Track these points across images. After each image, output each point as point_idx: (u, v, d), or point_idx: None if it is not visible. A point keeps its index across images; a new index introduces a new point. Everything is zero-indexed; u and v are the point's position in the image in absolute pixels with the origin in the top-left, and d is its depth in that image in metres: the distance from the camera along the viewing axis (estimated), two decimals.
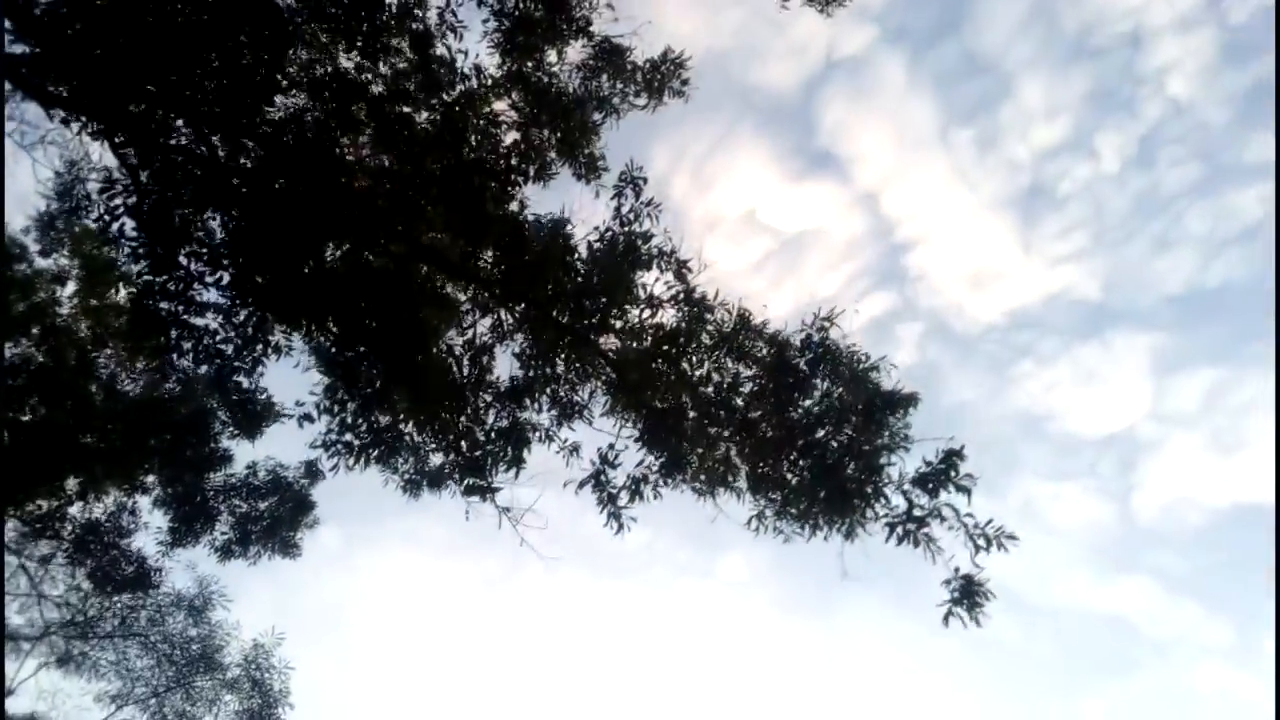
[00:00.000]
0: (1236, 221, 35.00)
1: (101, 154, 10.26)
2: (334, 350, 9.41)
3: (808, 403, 9.77)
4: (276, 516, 17.59)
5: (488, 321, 10.40)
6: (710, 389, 10.09)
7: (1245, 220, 34.57)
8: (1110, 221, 37.33)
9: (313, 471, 16.61)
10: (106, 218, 9.41)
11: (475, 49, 12.91)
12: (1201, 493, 41.15)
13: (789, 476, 9.37)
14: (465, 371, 9.79)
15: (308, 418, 9.30)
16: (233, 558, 17.10)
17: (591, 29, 12.38)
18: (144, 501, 17.73)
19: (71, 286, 18.08)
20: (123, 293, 17.15)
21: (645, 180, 10.67)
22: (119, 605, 16.85)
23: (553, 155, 12.87)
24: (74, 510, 16.55)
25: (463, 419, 9.52)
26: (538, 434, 10.49)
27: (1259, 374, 37.04)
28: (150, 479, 17.59)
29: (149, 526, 17.58)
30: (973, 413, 40.65)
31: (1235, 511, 40.00)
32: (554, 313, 9.89)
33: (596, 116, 12.90)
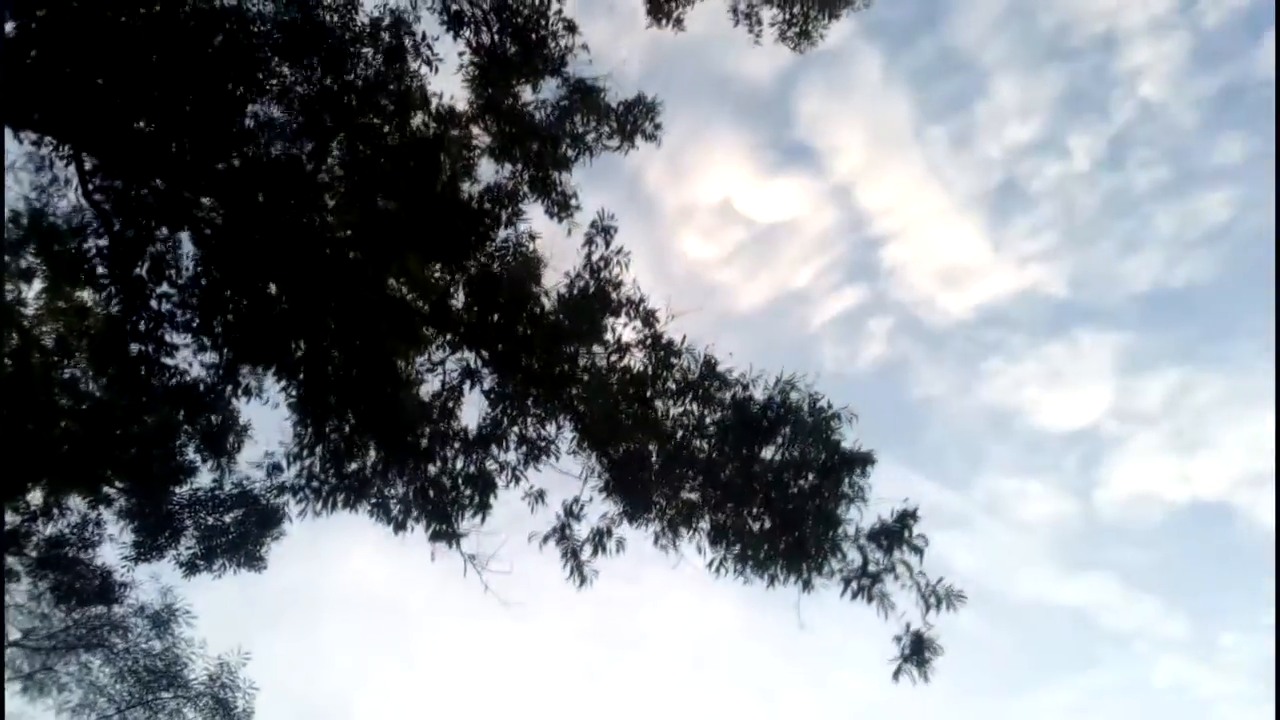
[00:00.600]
0: (1203, 223, 36.20)
1: (74, 188, 10.24)
2: (304, 394, 9.54)
3: (769, 454, 10.02)
4: (242, 531, 17.63)
5: (457, 360, 10.56)
6: (676, 436, 10.30)
7: (1211, 222, 35.76)
8: (1080, 220, 38.46)
9: (279, 514, 16.44)
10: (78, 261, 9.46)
11: (449, 82, 12.96)
12: (1162, 490, 42.43)
13: (750, 526, 9.62)
14: (434, 419, 9.95)
15: (277, 467, 9.44)
16: (197, 573, 17.16)
17: (565, 70, 12.51)
18: (108, 514, 17.76)
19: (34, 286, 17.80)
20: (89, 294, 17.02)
21: (616, 229, 10.87)
22: (82, 619, 16.83)
23: (525, 190, 13.04)
24: (37, 525, 16.48)
25: (431, 466, 9.68)
26: (504, 474, 10.66)
27: (1221, 374, 38.32)
28: (114, 490, 17.54)
29: (114, 539, 17.58)
30: (941, 408, 41.60)
31: (1194, 508, 41.28)
32: (523, 361, 10.06)
33: (570, 153, 13.05)
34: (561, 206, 12.78)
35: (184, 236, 9.98)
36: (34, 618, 17.26)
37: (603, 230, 10.87)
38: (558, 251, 12.22)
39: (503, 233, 11.16)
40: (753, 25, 14.97)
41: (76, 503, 17.53)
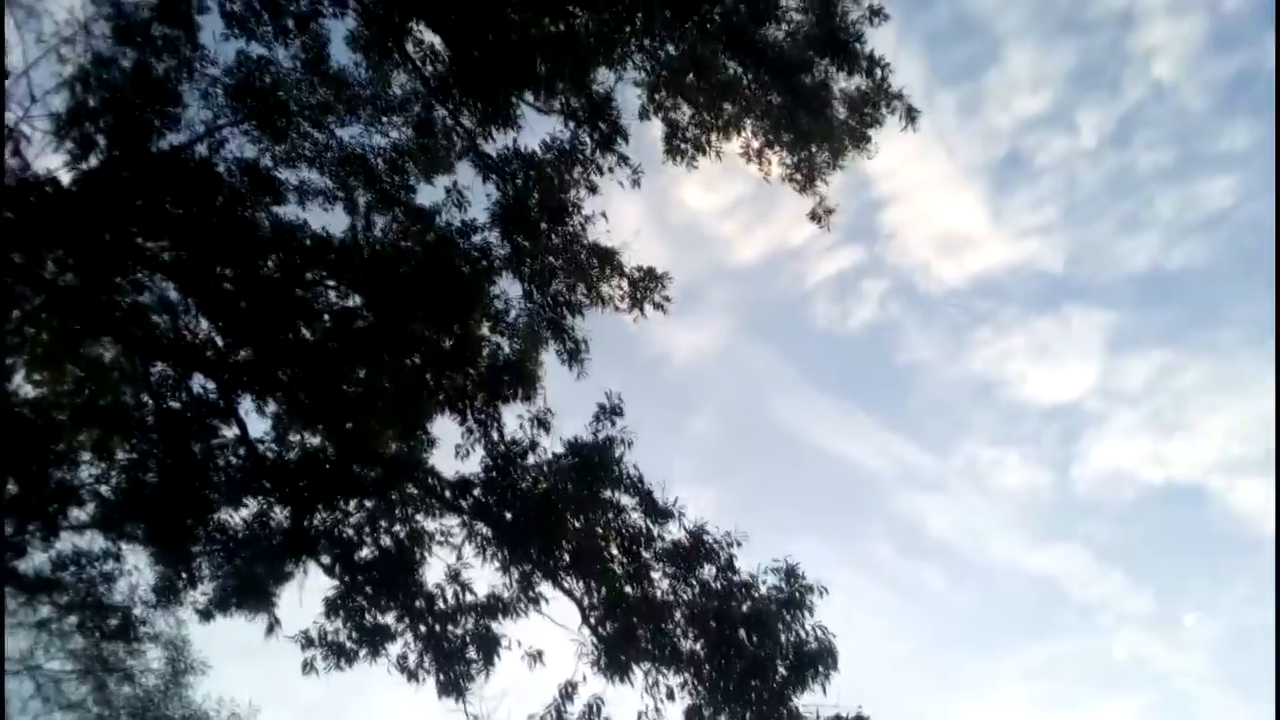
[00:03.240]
0: (1203, 208, 35.98)
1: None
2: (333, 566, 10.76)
3: (745, 633, 11.26)
4: (255, 576, 18.88)
5: (466, 529, 11.74)
6: (662, 610, 11.50)
7: (1211, 208, 35.58)
8: (1081, 197, 38.30)
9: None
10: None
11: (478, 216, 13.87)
12: (1138, 469, 43.00)
13: (721, 711, 10.89)
14: (448, 596, 11.18)
15: (310, 641, 10.65)
16: (212, 619, 18.44)
17: (583, 237, 13.43)
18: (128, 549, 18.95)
19: None
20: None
21: (622, 412, 11.95)
22: (101, 655, 18.14)
23: (541, 330, 14.10)
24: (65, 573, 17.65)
25: (442, 629, 10.91)
26: (509, 619, 11.90)
27: (1205, 359, 38.55)
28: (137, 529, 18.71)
29: (134, 577, 18.79)
30: (927, 373, 42.15)
31: (1167, 489, 41.84)
32: (529, 538, 11.23)
33: (584, 299, 14.05)
34: (573, 355, 13.84)
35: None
36: (51, 651, 18.57)
37: (610, 411, 11.97)
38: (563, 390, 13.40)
39: (519, 406, 12.20)
40: (762, 164, 15.82)
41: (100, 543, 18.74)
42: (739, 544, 12.18)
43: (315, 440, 11.64)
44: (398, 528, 11.55)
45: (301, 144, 16.72)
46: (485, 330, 13.27)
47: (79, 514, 17.88)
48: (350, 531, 11.04)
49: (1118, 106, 35.89)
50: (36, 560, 17.84)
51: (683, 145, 15.30)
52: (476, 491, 11.42)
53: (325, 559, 10.78)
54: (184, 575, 18.24)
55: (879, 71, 13.83)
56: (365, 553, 11.08)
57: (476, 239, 13.86)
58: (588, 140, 12.54)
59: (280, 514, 11.46)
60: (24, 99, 12.66)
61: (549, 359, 14.10)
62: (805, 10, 12.45)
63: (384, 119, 16.76)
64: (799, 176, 15.72)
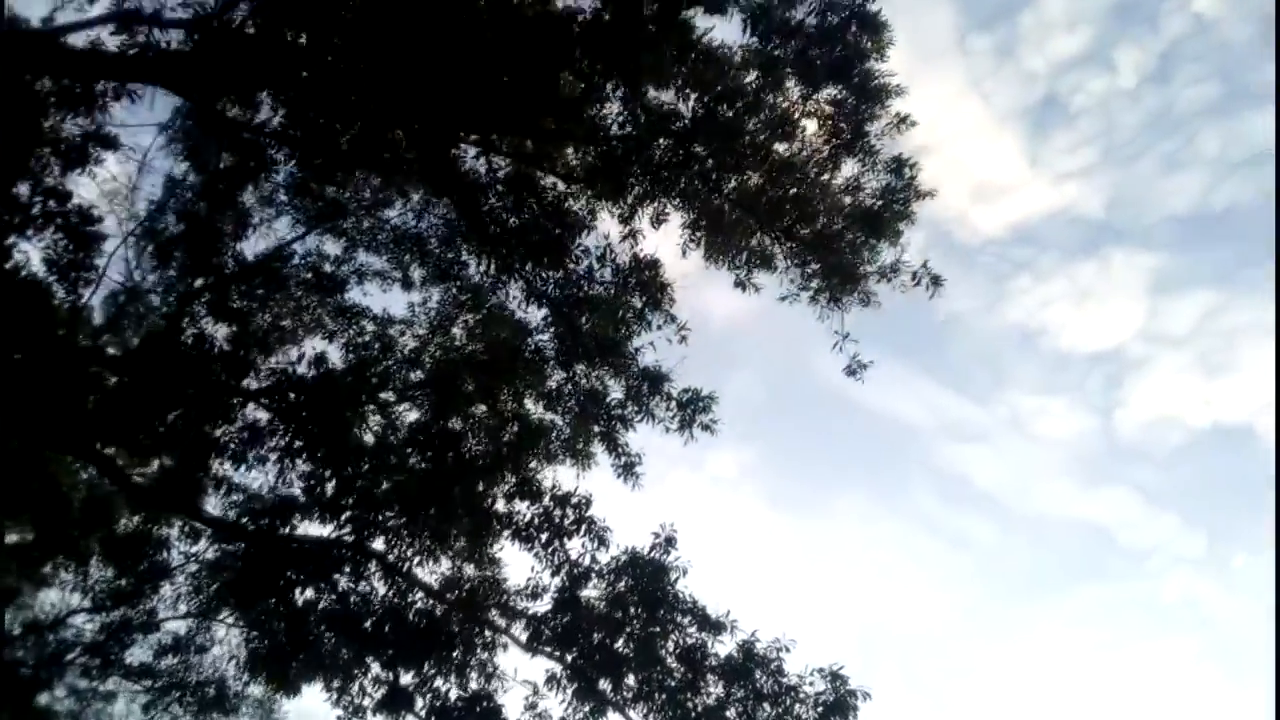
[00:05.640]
0: (1249, 145, 34.44)
1: None
2: None
3: None
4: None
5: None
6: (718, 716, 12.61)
7: (1258, 144, 33.98)
8: (1121, 138, 36.90)
9: None
10: None
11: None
12: (1185, 412, 41.86)
13: None
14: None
15: None
16: (298, 694, 19.94)
17: (633, 364, 14.44)
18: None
19: None
20: None
21: (676, 544, 13.01)
22: None
23: (596, 447, 15.20)
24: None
25: None
26: None
27: (1254, 299, 37.41)
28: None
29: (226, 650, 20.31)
30: (968, 323, 41.30)
31: (1216, 432, 40.86)
32: (599, 681, 12.38)
33: (635, 414, 15.06)
34: (627, 469, 14.89)
35: None
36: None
37: (665, 540, 13.03)
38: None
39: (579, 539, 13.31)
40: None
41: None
42: (787, 650, 13.24)
43: (399, 592, 12.85)
44: (481, 668, 12.76)
45: (356, 234, 17.85)
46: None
47: (173, 592, 19.57)
48: (439, 681, 12.29)
49: (1157, 43, 34.38)
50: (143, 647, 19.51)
51: (720, 255, 16.14)
52: (550, 621, 12.57)
53: (420, 710, 12.10)
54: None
55: (906, 183, 14.73)
56: (454, 695, 12.34)
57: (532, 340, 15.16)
58: (636, 302, 13.56)
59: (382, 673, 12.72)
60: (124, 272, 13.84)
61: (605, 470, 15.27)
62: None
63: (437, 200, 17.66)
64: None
